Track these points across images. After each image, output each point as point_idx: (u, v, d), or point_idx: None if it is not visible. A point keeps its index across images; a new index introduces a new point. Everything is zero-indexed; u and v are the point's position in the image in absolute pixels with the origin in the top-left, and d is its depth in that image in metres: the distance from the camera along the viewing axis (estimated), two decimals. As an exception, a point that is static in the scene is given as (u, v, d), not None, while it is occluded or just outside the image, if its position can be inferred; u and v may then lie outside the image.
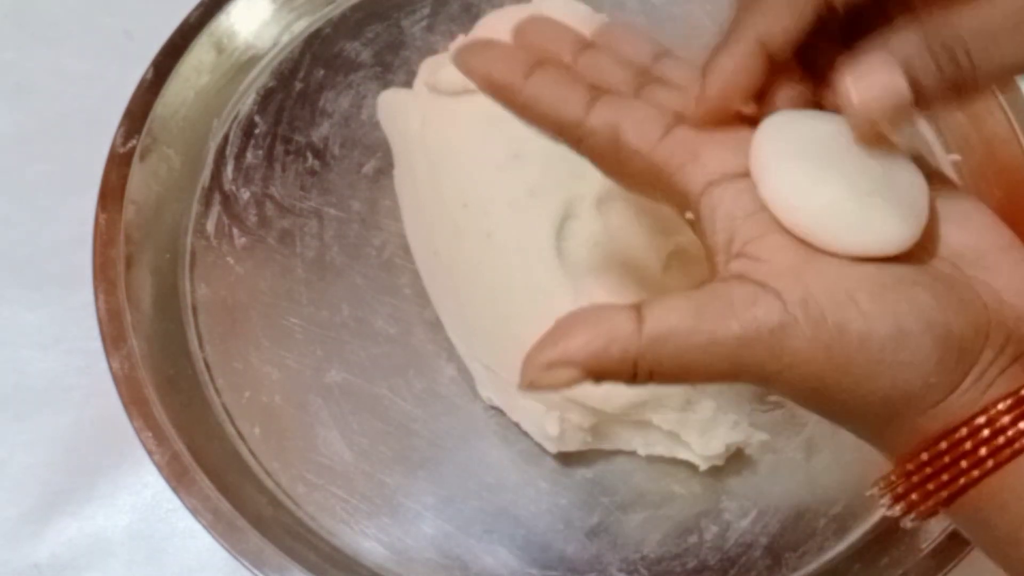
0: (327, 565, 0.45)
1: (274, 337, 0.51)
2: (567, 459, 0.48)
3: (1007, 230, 0.33)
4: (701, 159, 0.32)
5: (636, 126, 0.33)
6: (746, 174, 0.32)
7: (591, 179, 0.46)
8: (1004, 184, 0.53)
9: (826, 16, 0.32)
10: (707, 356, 0.29)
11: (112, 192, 0.51)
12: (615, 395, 0.44)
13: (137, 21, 0.61)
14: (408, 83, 0.53)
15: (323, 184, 0.55)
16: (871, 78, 0.30)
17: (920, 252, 0.32)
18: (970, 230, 0.33)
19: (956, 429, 0.30)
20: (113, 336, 0.48)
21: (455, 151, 0.49)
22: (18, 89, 0.61)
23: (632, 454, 0.48)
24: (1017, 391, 0.30)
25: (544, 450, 0.48)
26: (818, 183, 0.31)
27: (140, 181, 0.52)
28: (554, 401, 0.46)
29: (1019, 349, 0.31)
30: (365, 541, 0.47)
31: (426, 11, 0.59)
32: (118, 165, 0.51)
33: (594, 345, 0.29)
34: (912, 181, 0.33)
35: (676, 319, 0.29)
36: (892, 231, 0.31)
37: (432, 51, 0.56)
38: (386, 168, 0.54)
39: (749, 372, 0.29)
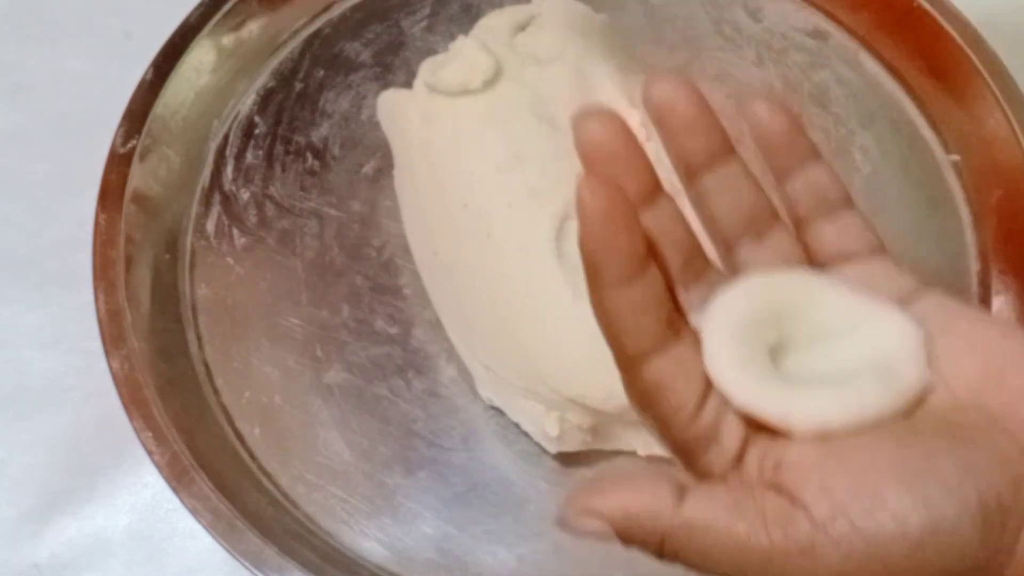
0: (327, 565, 0.45)
1: (274, 337, 0.51)
2: (567, 459, 0.48)
3: (1014, 342, 0.30)
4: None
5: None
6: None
7: (591, 179, 0.46)
8: (1004, 184, 0.53)
9: None
10: (737, 559, 0.28)
11: (112, 192, 0.51)
12: (615, 395, 0.44)
13: (137, 21, 0.61)
14: (408, 83, 0.53)
15: (323, 184, 0.55)
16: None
17: (940, 398, 0.29)
18: (976, 353, 0.30)
19: None
20: (113, 336, 0.48)
21: (455, 151, 0.49)
22: (18, 89, 0.61)
23: (632, 454, 0.48)
24: None
25: (544, 450, 0.48)
26: (753, 362, 0.29)
27: (140, 181, 0.52)
28: (554, 401, 0.46)
29: None
30: (365, 541, 0.47)
31: (426, 11, 0.59)
32: (118, 165, 0.51)
33: (628, 510, 0.28)
34: (898, 339, 0.30)
35: (713, 514, 0.28)
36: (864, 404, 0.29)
37: (432, 51, 0.56)
38: (386, 168, 0.54)
39: None
